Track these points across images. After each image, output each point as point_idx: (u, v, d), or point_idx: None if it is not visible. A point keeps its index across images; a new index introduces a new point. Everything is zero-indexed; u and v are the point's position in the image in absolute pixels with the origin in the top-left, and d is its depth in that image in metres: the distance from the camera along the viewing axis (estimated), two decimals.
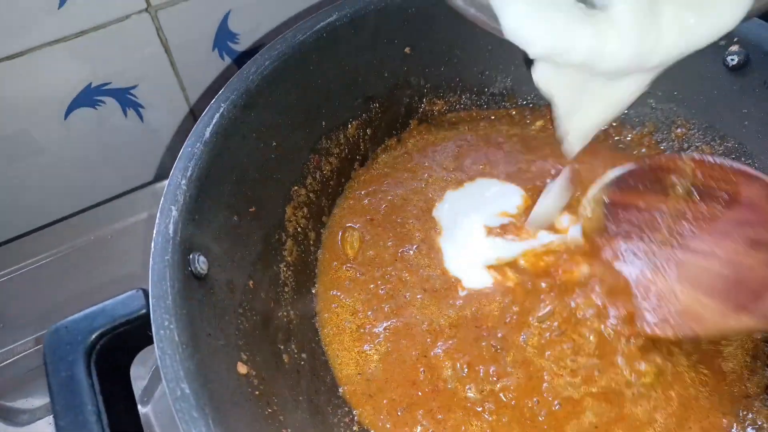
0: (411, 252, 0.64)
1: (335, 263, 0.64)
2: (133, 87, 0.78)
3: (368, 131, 0.71)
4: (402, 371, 0.57)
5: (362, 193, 0.70)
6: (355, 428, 0.54)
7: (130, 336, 0.46)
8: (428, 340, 0.58)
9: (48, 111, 0.74)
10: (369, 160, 0.73)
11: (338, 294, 0.62)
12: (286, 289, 0.60)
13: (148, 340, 0.43)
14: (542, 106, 0.75)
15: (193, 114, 0.84)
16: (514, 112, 0.76)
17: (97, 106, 0.77)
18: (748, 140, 0.65)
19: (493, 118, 0.76)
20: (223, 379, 0.46)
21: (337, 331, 0.60)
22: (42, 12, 0.65)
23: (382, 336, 0.59)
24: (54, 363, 0.43)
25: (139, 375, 0.64)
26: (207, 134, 0.53)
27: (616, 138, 0.73)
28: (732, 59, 0.63)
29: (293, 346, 0.57)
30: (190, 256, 0.48)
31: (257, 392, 0.49)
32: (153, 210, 0.48)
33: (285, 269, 0.61)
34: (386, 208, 0.68)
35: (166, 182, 0.50)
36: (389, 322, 0.60)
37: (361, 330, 0.60)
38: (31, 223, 0.79)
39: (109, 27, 0.70)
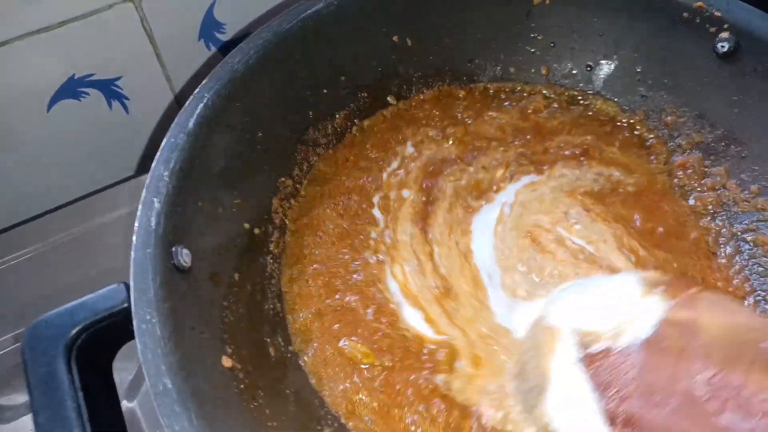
0: None
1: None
2: (118, 78, 0.76)
3: (356, 121, 0.70)
4: None
5: None
6: (342, 421, 0.54)
7: (112, 331, 0.45)
8: None
9: (30, 103, 0.72)
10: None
11: None
12: (273, 282, 0.59)
13: (131, 335, 0.43)
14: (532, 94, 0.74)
15: (179, 105, 0.82)
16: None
17: (80, 98, 0.76)
18: (738, 128, 0.65)
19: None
20: (207, 373, 0.45)
21: None
22: (22, 1, 0.64)
23: None
24: (33, 358, 0.42)
25: (125, 369, 0.63)
26: (190, 125, 0.52)
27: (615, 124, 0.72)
28: (722, 46, 0.63)
29: (280, 339, 0.56)
30: (173, 249, 0.47)
31: (242, 386, 0.48)
32: (136, 204, 0.47)
33: (272, 261, 0.60)
34: None
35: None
36: None
37: None
38: (12, 218, 0.78)
39: (91, 17, 0.69)
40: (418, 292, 0.59)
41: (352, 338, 0.56)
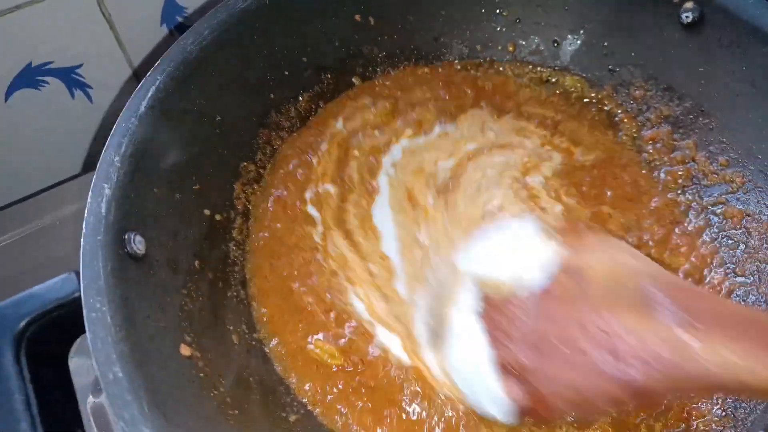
0: None
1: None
2: (78, 66, 0.75)
3: (320, 103, 0.69)
4: None
5: None
6: (309, 408, 0.53)
7: (65, 321, 0.44)
8: None
9: None
10: None
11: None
12: (236, 269, 0.58)
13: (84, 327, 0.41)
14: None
15: None
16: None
17: (39, 87, 0.74)
18: (705, 99, 0.64)
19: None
20: (163, 362, 0.44)
21: None
22: None
23: None
24: None
25: (90, 365, 0.61)
26: (142, 108, 0.51)
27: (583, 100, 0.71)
28: (687, 16, 0.62)
29: (244, 327, 0.55)
30: (125, 236, 0.46)
31: (202, 374, 0.47)
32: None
33: (234, 248, 0.59)
34: None
35: None
36: None
37: None
38: None
39: (46, 1, 0.67)
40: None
41: (318, 336, 0.55)
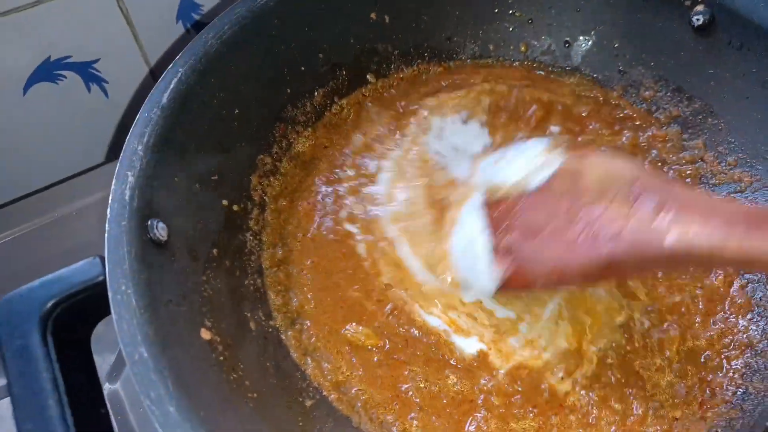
0: None
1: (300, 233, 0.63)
2: (95, 61, 0.76)
3: (335, 99, 0.70)
4: None
5: None
6: (324, 393, 0.54)
7: (89, 304, 0.45)
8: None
9: (5, 85, 0.71)
10: None
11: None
12: (252, 258, 0.59)
13: (108, 310, 0.42)
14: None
15: None
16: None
17: (57, 81, 0.75)
18: (714, 100, 0.65)
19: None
20: (185, 345, 0.45)
21: None
22: None
23: None
24: (7, 332, 0.41)
25: (107, 350, 0.62)
26: (164, 99, 0.52)
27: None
28: (697, 19, 0.63)
29: (260, 314, 0.56)
30: (148, 222, 0.47)
31: (222, 358, 0.48)
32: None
33: (251, 238, 0.60)
34: None
35: None
36: None
37: None
38: None
39: None
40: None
41: (352, 324, 0.57)
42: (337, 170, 0.66)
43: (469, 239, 0.53)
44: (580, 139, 0.67)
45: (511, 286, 0.51)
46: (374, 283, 0.59)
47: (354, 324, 0.56)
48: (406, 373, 0.54)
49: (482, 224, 0.52)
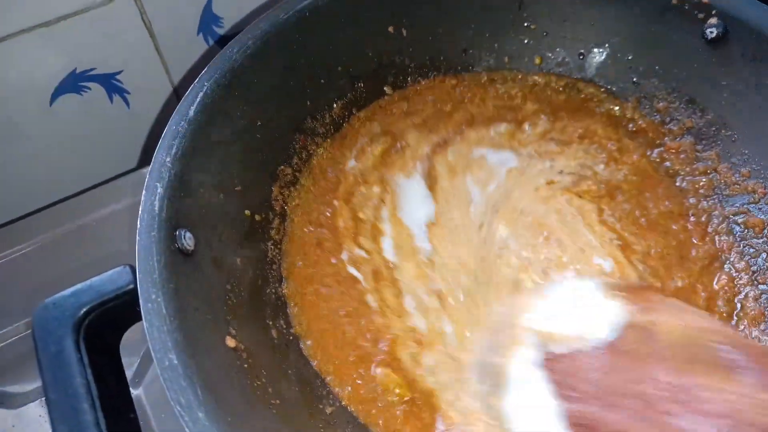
0: None
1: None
2: (119, 72, 0.78)
3: (353, 111, 0.71)
4: None
5: None
6: (344, 403, 0.55)
7: (118, 312, 0.47)
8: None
9: (32, 98, 0.74)
10: None
11: None
12: (274, 267, 0.60)
13: (137, 317, 0.44)
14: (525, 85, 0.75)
15: (178, 99, 0.83)
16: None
17: (82, 92, 0.77)
18: (727, 113, 0.66)
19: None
20: (212, 352, 0.46)
21: None
22: None
23: None
24: (43, 338, 0.43)
25: (131, 355, 0.64)
26: (191, 113, 0.54)
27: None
28: (711, 32, 0.64)
29: (281, 322, 0.57)
30: (177, 233, 0.48)
31: (245, 365, 0.49)
32: (138, 196, 0.49)
33: (273, 248, 0.61)
34: None
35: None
36: None
37: None
38: (18, 211, 0.79)
39: (91, 11, 0.70)
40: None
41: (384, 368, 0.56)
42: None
43: (532, 403, 0.44)
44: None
45: None
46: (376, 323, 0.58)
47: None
48: None
49: (542, 383, 0.44)
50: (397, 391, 0.54)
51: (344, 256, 0.62)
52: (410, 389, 0.54)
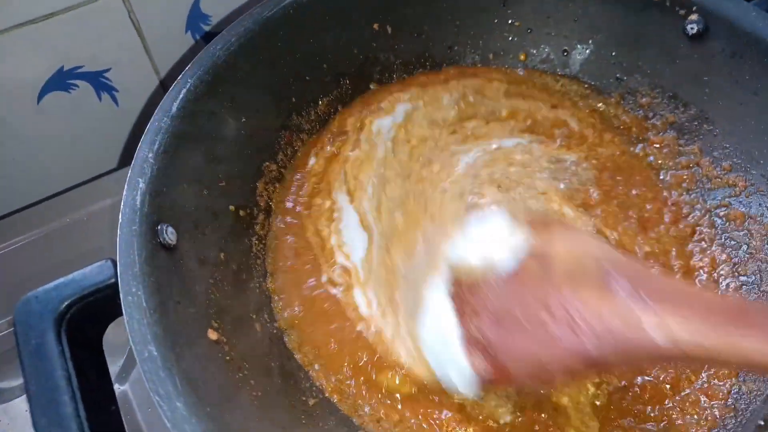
0: None
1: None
2: (107, 70, 0.78)
3: (339, 107, 0.72)
4: None
5: None
6: (326, 395, 0.55)
7: (100, 305, 0.47)
8: None
9: (20, 95, 0.74)
10: None
11: None
12: (258, 262, 0.61)
13: (119, 311, 0.44)
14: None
15: None
16: None
17: (70, 90, 0.77)
18: (709, 107, 0.67)
19: None
20: (193, 344, 0.47)
21: None
22: None
23: None
24: (24, 331, 0.43)
25: (116, 352, 0.64)
26: (174, 109, 0.54)
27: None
28: (692, 28, 0.65)
29: (265, 316, 0.58)
30: (158, 227, 0.49)
31: (228, 357, 0.50)
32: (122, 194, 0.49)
33: (257, 243, 0.62)
34: None
35: None
36: None
37: None
38: (3, 209, 0.80)
39: (79, 9, 0.70)
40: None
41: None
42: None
43: (438, 327, 0.49)
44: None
45: (492, 383, 0.47)
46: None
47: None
48: None
49: (450, 311, 0.48)
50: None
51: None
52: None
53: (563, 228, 0.51)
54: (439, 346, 0.49)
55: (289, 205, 0.66)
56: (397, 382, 0.55)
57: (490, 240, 0.48)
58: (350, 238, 0.62)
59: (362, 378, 0.55)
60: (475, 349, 0.46)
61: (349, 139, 0.69)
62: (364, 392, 0.55)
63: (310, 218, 0.64)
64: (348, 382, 0.55)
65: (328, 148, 0.69)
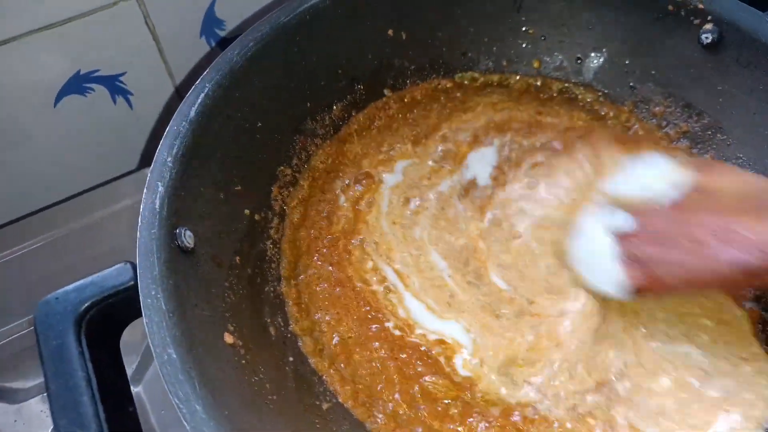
0: None
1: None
2: (122, 74, 0.79)
3: (353, 113, 0.72)
4: None
5: None
6: (340, 400, 0.56)
7: (119, 307, 0.48)
8: None
9: (37, 98, 0.74)
10: None
11: None
12: (273, 266, 0.61)
13: (137, 313, 0.45)
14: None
15: (180, 101, 0.84)
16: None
17: (86, 94, 0.78)
18: (723, 117, 0.67)
19: None
20: (210, 347, 0.47)
21: None
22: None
23: None
24: (45, 332, 0.44)
25: (130, 358, 0.65)
26: (192, 113, 0.55)
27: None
28: (706, 37, 0.65)
29: (279, 320, 0.58)
30: (177, 231, 0.49)
31: (243, 361, 0.50)
32: (140, 196, 0.50)
33: (271, 246, 0.62)
34: None
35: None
36: None
37: None
38: (21, 210, 0.80)
39: (95, 14, 0.71)
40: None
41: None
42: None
43: (593, 244, 0.54)
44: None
45: (645, 292, 0.52)
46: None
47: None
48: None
49: (606, 231, 0.53)
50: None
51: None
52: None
53: (726, 167, 0.57)
54: (594, 261, 0.54)
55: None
56: None
57: (652, 176, 0.53)
58: None
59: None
60: (633, 263, 0.51)
61: None
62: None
63: None
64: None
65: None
